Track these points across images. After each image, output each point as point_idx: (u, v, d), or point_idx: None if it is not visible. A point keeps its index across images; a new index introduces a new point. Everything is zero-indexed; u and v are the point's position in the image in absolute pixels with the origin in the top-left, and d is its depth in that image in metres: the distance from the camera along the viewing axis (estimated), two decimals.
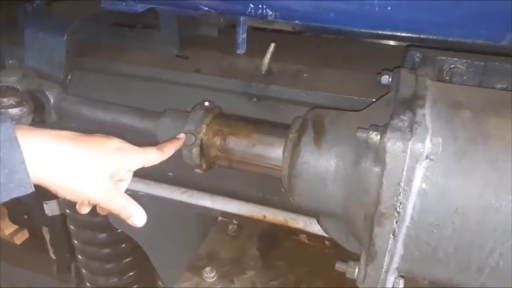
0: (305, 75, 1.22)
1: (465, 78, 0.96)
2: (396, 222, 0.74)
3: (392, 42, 1.36)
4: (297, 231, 1.32)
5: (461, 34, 0.76)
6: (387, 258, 0.78)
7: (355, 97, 1.09)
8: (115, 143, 0.80)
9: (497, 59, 0.96)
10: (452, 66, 0.96)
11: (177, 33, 1.29)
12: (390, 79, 0.96)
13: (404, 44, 1.10)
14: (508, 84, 0.96)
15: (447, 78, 0.97)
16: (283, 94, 1.17)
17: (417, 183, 0.72)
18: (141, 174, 1.39)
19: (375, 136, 0.73)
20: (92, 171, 0.74)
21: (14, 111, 1.01)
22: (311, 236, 1.31)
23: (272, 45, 1.18)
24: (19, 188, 0.66)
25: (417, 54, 0.99)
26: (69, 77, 1.23)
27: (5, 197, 0.66)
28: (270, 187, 1.31)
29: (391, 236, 0.75)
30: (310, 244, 1.32)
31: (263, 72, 1.21)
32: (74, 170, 0.72)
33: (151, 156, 0.87)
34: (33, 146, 0.68)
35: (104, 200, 0.76)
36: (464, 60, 0.96)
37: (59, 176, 0.71)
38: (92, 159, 0.74)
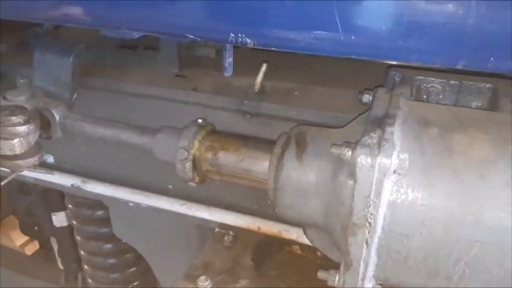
0: (295, 93, 1.29)
1: (441, 96, 1.02)
2: (368, 232, 0.79)
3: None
4: (290, 242, 1.37)
5: (420, 58, 0.81)
6: (362, 266, 0.83)
7: (340, 114, 1.15)
8: None
9: (472, 78, 1.02)
10: (429, 85, 1.02)
11: (177, 54, 1.37)
12: (371, 98, 1.02)
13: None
14: (483, 102, 1.01)
15: (425, 97, 1.03)
16: (274, 111, 1.24)
17: (386, 195, 0.77)
18: (143, 187, 1.48)
19: (347, 152, 0.79)
20: None
21: (22, 128, 1.10)
22: (303, 247, 1.36)
23: (264, 65, 1.25)
24: None
25: (397, 74, 1.05)
26: (75, 95, 1.31)
27: None
28: (266, 199, 1.36)
29: (364, 245, 0.81)
30: (303, 255, 1.36)
31: (256, 90, 1.28)
32: None
33: None
34: None
35: None
36: (441, 80, 1.02)
37: None
38: None
